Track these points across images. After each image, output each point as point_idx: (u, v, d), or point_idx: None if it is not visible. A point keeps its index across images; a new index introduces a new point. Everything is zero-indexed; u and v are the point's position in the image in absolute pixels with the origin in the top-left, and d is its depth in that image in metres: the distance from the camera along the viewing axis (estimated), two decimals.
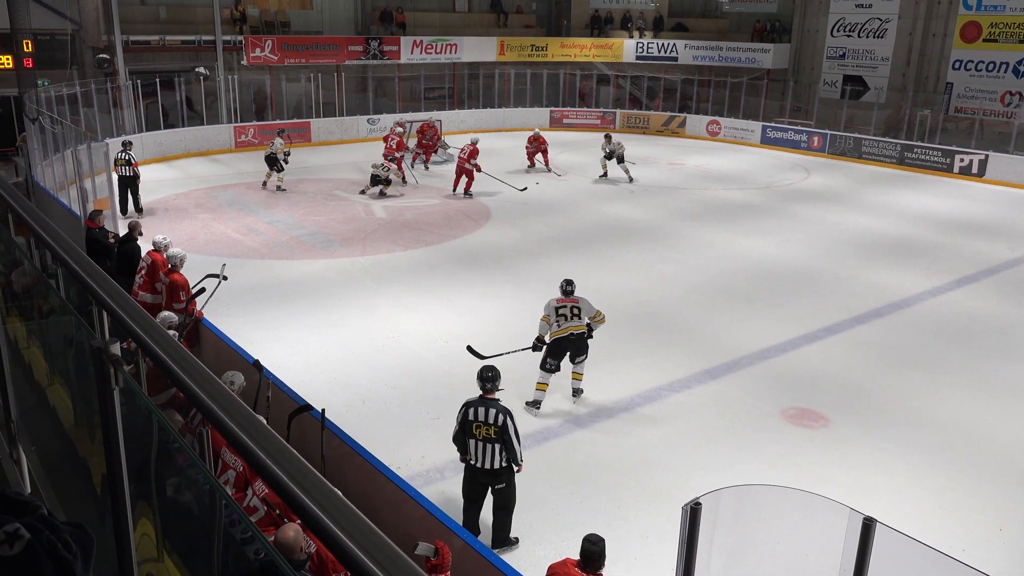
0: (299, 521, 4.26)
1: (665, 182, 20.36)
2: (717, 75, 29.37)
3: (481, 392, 6.24)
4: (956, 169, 22.26)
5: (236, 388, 6.32)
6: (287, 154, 18.67)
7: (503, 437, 6.06)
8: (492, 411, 6.07)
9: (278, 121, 24.58)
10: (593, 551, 4.80)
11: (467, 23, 31.00)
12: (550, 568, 4.94)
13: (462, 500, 6.37)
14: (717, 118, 28.08)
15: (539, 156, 21.10)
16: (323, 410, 5.98)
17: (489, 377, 6.22)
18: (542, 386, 8.36)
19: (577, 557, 4.88)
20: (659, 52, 30.74)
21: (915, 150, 23.40)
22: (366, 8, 29.37)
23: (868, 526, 4.09)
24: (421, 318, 10.89)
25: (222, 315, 9.29)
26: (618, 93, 31.02)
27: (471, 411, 6.13)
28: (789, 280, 12.87)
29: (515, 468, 6.23)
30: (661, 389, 9.00)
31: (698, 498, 4.28)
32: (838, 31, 28.91)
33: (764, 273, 13.21)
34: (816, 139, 25.47)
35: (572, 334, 8.27)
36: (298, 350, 9.76)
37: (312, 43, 26.51)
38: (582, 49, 31.08)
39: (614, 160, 19.72)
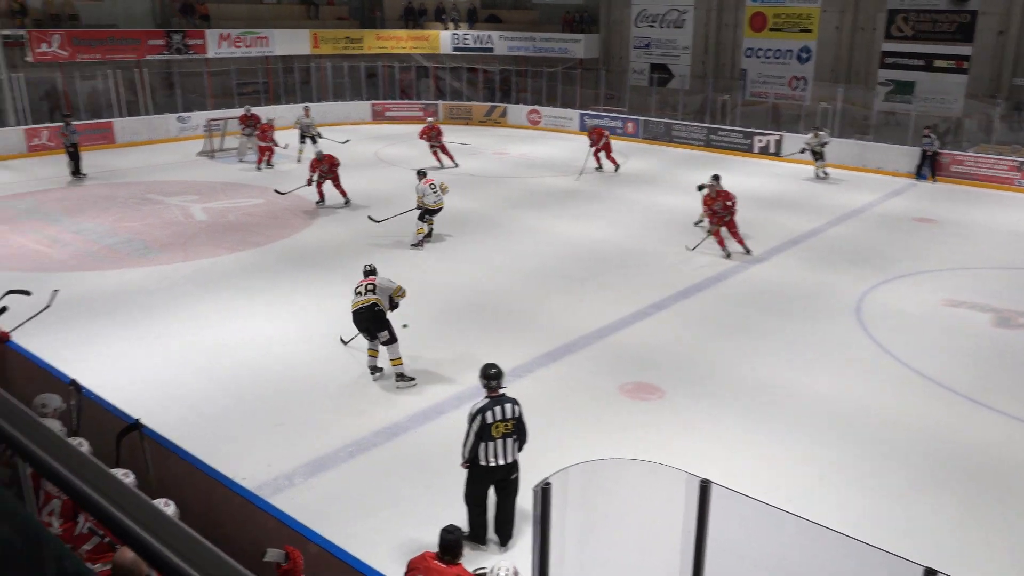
0: None
1: (491, 171, 20.65)
2: (533, 65, 30.08)
3: (487, 392, 6.10)
4: (756, 149, 24.04)
5: (51, 411, 5.84)
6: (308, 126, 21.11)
7: (519, 425, 6.07)
8: (508, 406, 6.03)
9: (77, 123, 22.73)
10: (450, 540, 4.83)
11: (276, 15, 29.92)
12: (409, 563, 4.92)
13: (467, 505, 6.24)
14: (536, 107, 28.78)
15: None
16: (138, 420, 5.64)
17: (494, 375, 6.11)
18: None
19: (435, 550, 4.89)
20: (475, 43, 31.06)
21: (719, 133, 25.05)
22: None
23: (705, 488, 4.36)
24: (254, 323, 10.46)
25: (29, 335, 8.48)
26: (438, 84, 31.07)
27: (488, 414, 5.97)
28: (616, 261, 13.43)
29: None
30: (505, 376, 9.12)
31: (547, 478, 4.40)
32: (641, 22, 30.41)
33: (592, 256, 13.71)
34: (630, 125, 26.68)
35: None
36: (123, 366, 9.11)
37: (107, 37, 24.63)
38: (398, 41, 30.86)
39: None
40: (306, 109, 22.11)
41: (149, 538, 1.07)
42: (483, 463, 6.07)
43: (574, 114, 27.87)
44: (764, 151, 23.90)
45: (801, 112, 24.98)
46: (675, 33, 29.70)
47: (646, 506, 5.07)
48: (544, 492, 4.47)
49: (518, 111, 29.01)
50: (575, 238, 14.74)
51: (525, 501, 6.23)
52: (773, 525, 4.56)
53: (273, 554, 4.37)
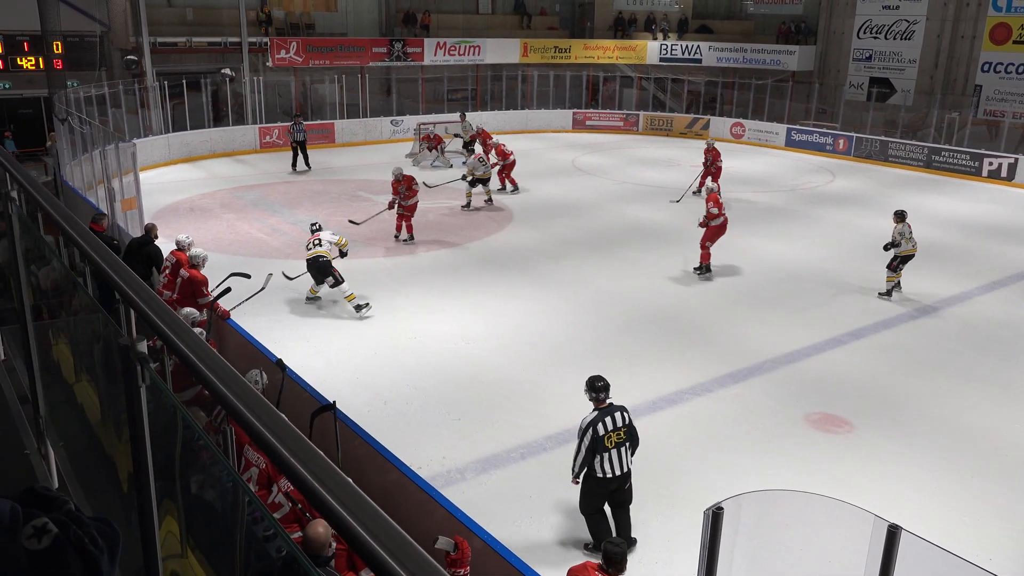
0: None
1: (686, 184, 20.25)
2: (741, 77, 29.20)
3: (595, 404, 6.11)
4: (985, 173, 21.97)
5: (260, 387, 6.36)
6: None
7: (631, 431, 6.11)
8: (617, 414, 6.06)
9: (306, 122, 24.78)
10: (616, 552, 4.80)
11: (491, 25, 31.04)
12: (570, 572, 4.92)
13: (585, 516, 6.26)
14: (741, 120, 27.91)
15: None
16: (334, 402, 6.04)
17: (601, 387, 6.12)
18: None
19: (598, 562, 4.87)
20: (683, 54, 30.60)
21: (942, 153, 23.12)
22: (390, 10, 29.50)
23: (893, 533, 4.03)
24: (442, 319, 10.91)
25: (245, 314, 9.36)
26: (641, 95, 30.92)
27: (599, 426, 5.98)
28: (813, 284, 12.76)
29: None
30: (683, 392, 8.95)
31: (720, 503, 4.25)
32: (864, 33, 28.63)
33: (788, 277, 13.10)
34: (841, 142, 25.24)
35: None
36: (320, 350, 9.81)
37: (336, 45, 26.65)
38: (605, 51, 31.01)
39: None
40: (462, 115, 22.56)
41: (343, 512, 1.15)
42: (599, 475, 6.03)
43: (781, 128, 26.77)
44: (994, 175, 21.79)
45: None
46: (901, 45, 27.72)
47: (825, 546, 4.78)
48: (715, 517, 4.32)
49: (721, 124, 28.27)
50: (768, 257, 14.15)
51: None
52: None
53: (444, 542, 4.56)
